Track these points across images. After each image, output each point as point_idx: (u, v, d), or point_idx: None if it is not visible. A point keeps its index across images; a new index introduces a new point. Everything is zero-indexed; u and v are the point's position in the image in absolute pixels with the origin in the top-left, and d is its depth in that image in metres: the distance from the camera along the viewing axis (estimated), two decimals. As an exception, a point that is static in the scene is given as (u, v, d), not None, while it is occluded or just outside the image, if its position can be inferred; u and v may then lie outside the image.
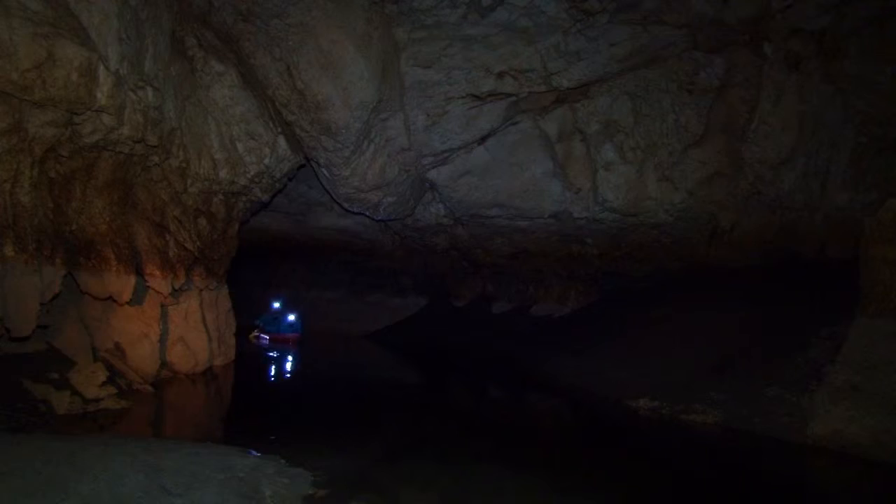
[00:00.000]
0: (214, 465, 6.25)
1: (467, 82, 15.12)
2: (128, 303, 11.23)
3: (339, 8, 12.91)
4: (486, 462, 8.08)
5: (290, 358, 19.54)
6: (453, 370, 19.59)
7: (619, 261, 20.60)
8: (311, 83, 13.67)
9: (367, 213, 18.76)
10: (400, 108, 15.39)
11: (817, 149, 15.96)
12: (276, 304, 25.06)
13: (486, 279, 25.90)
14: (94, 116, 9.03)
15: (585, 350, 16.68)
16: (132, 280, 11.02)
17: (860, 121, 15.52)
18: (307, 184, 19.28)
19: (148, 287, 11.72)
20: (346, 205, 18.05)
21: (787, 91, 15.43)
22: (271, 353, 20.33)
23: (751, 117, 15.93)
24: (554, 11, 13.51)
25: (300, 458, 7.09)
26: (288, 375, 16.59)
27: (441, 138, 16.54)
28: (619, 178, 17.43)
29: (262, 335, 22.96)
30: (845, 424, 9.38)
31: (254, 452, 7.12)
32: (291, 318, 23.51)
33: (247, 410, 11.22)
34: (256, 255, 24.66)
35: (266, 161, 13.69)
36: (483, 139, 17.23)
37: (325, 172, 16.37)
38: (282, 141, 13.93)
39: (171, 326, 12.64)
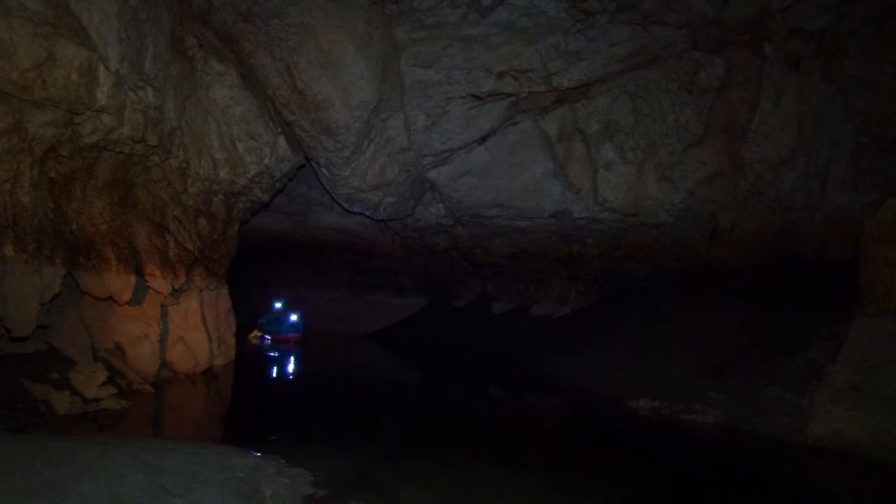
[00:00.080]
0: (214, 465, 6.25)
1: (467, 82, 15.12)
2: (128, 303, 11.22)
3: (339, 8, 12.90)
4: (486, 462, 8.08)
5: (290, 358, 19.53)
6: (453, 370, 19.59)
7: (619, 261, 20.60)
8: (311, 83, 13.67)
9: (368, 213, 18.77)
10: (400, 108, 15.39)
11: (817, 149, 15.96)
12: (278, 305, 25.05)
13: (486, 279, 25.90)
14: (95, 116, 9.03)
15: (585, 350, 16.67)
16: (132, 280, 11.02)
17: (860, 121, 15.52)
18: (307, 184, 19.29)
19: (148, 287, 11.71)
20: (346, 205, 18.04)
21: (787, 91, 15.43)
22: (272, 353, 20.33)
23: (751, 117, 15.93)
24: (554, 11, 13.51)
25: (300, 458, 7.09)
26: (288, 375, 16.59)
27: (441, 138, 16.54)
28: (619, 178, 17.43)
29: (263, 335, 22.95)
30: (845, 424, 9.38)
31: (254, 452, 7.12)
32: (293, 318, 23.52)
33: (247, 410, 11.21)
34: (256, 255, 24.66)
35: (266, 161, 13.69)
36: (483, 139, 17.22)
37: (326, 172, 16.37)
38: (282, 141, 13.92)
39: (171, 326, 12.64)
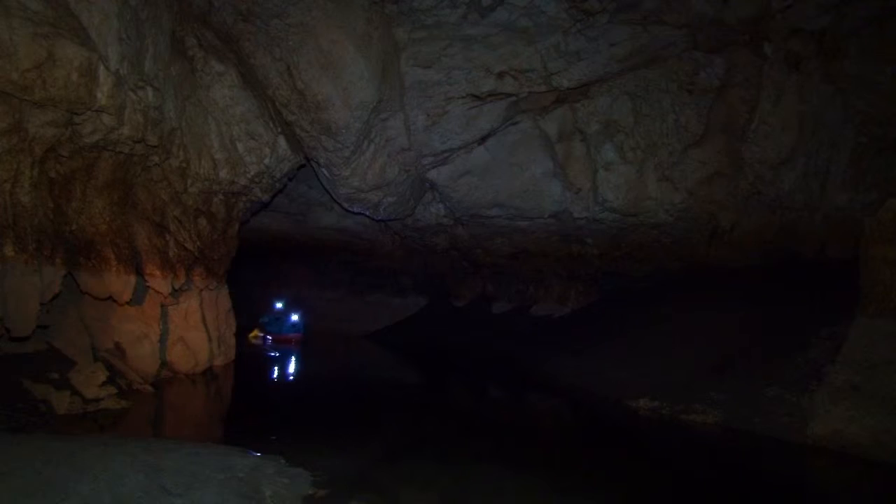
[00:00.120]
0: (214, 465, 6.25)
1: (467, 82, 15.12)
2: (128, 303, 11.22)
3: (339, 8, 12.90)
4: (486, 462, 8.08)
5: (290, 358, 19.53)
6: (453, 370, 19.59)
7: (619, 261, 20.60)
8: (311, 83, 13.67)
9: (368, 213, 18.76)
10: (400, 108, 15.39)
11: (817, 149, 15.96)
12: (279, 305, 25.03)
13: (486, 279, 25.90)
14: (95, 116, 9.03)
15: (585, 350, 16.67)
16: (132, 280, 11.02)
17: (860, 121, 15.52)
18: (307, 184, 19.29)
19: (148, 287, 11.71)
20: (346, 205, 18.04)
21: (787, 91, 15.43)
22: (272, 353, 20.32)
23: (751, 117, 15.93)
24: (554, 11, 13.51)
25: (300, 458, 7.09)
26: (288, 375, 16.59)
27: (441, 138, 16.54)
28: (619, 178, 17.43)
29: (264, 335, 22.94)
30: (845, 424, 9.38)
31: (254, 452, 7.12)
32: (294, 318, 23.52)
33: (247, 410, 11.21)
34: (256, 255, 24.66)
35: (266, 161, 13.69)
36: (483, 139, 17.22)
37: (326, 172, 16.37)
38: (282, 141, 13.92)
39: (171, 326, 12.63)
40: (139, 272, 11.32)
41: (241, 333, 16.78)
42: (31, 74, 7.93)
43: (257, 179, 13.98)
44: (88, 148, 9.48)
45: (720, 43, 15.09)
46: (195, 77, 12.15)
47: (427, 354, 22.37)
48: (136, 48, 9.57)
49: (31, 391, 8.60)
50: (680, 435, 10.59)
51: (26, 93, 8.02)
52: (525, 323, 23.08)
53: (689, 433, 10.59)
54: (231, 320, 15.13)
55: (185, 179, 12.18)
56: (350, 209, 18.49)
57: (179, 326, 12.83)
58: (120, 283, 10.73)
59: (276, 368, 17.66)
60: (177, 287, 12.36)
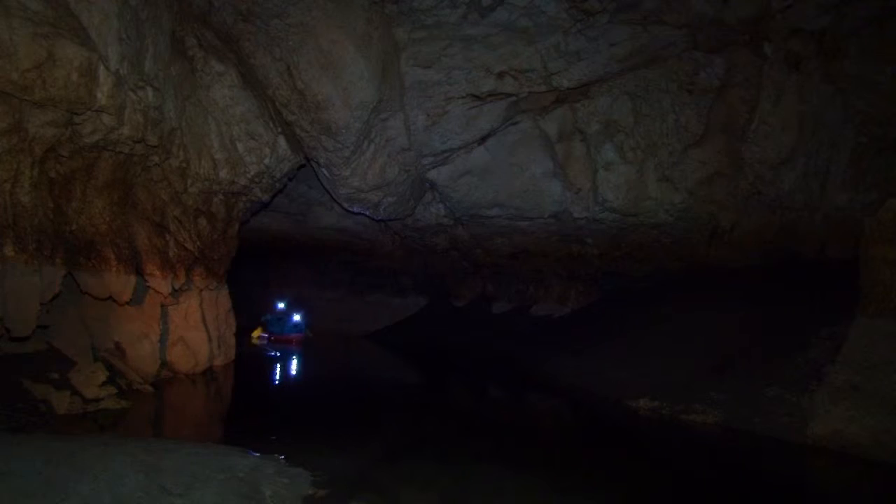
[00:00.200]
0: (214, 465, 6.25)
1: (467, 82, 15.12)
2: (128, 303, 11.22)
3: (339, 8, 12.90)
4: (486, 462, 8.08)
5: (290, 358, 19.53)
6: (453, 370, 19.59)
7: (619, 261, 20.60)
8: (311, 83, 13.67)
9: (368, 213, 18.77)
10: (400, 108, 15.39)
11: (817, 149, 15.96)
12: (281, 305, 25.03)
13: (486, 279, 25.91)
14: (95, 116, 9.03)
15: (585, 350, 16.67)
16: (132, 280, 11.02)
17: (860, 121, 15.52)
18: (307, 184, 19.29)
19: (148, 287, 11.71)
20: (346, 205, 18.04)
21: (787, 91, 15.43)
22: (272, 353, 20.32)
23: (751, 117, 15.93)
24: (554, 11, 13.51)
25: (300, 458, 7.09)
26: (288, 375, 16.59)
27: (441, 138, 16.54)
28: (619, 178, 17.43)
29: (264, 335, 22.95)
30: (845, 424, 9.38)
31: (254, 452, 7.12)
32: (296, 318, 23.54)
33: (247, 410, 11.21)
34: (256, 255, 24.67)
35: (266, 161, 13.69)
36: (483, 139, 17.23)
37: (326, 172, 16.37)
38: (282, 141, 13.92)
39: (171, 326, 12.63)
40: (139, 272, 11.32)
41: (241, 333, 16.77)
42: (31, 74, 7.93)
43: (257, 179, 13.98)
44: (88, 148, 9.48)
45: (720, 43, 15.10)
46: (195, 77, 12.15)
47: (427, 354, 22.36)
48: (136, 48, 9.57)
49: (31, 391, 8.60)
50: (680, 435, 10.59)
51: (26, 93, 8.02)
52: (525, 323, 23.08)
53: (689, 433, 10.59)
54: (231, 320, 15.13)
55: (185, 179, 12.18)
56: (350, 209, 18.49)
57: (179, 326, 12.83)
58: (120, 283, 10.73)
59: (276, 368, 17.66)
60: (177, 287, 12.36)
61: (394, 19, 13.77)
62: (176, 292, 12.45)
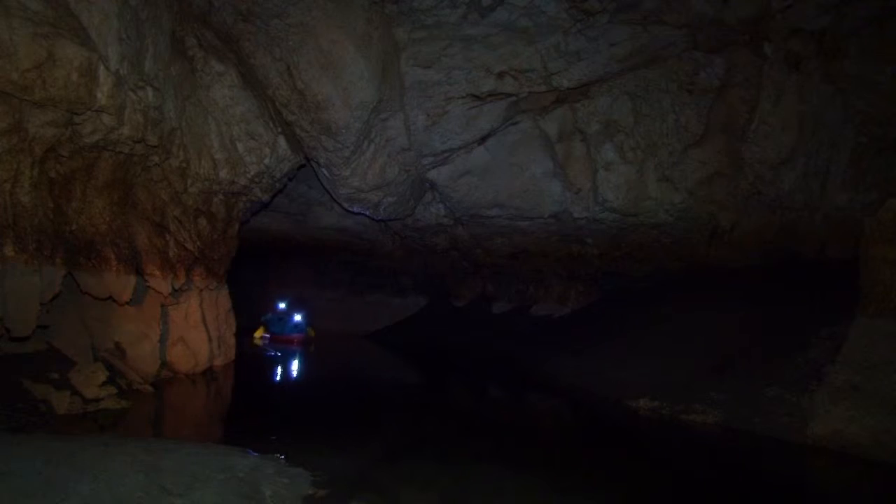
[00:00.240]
0: (214, 465, 6.25)
1: (467, 82, 15.12)
2: (128, 303, 11.22)
3: (339, 8, 12.91)
4: (486, 462, 8.08)
5: (290, 358, 19.54)
6: (453, 370, 19.59)
7: (619, 261, 20.60)
8: (311, 83, 13.67)
9: (368, 213, 18.77)
10: (400, 108, 15.39)
11: (817, 149, 15.96)
12: (282, 305, 25.04)
13: (486, 279, 25.91)
14: (95, 116, 9.03)
15: (585, 350, 16.67)
16: (132, 280, 11.01)
17: (860, 121, 15.52)
18: (307, 184, 19.29)
19: (148, 287, 11.71)
20: (346, 205, 18.05)
21: (787, 91, 15.43)
22: (272, 354, 20.32)
23: (751, 117, 15.93)
24: (554, 11, 13.51)
25: (300, 458, 7.09)
26: (287, 375, 16.59)
27: (441, 138, 16.55)
28: (619, 178, 17.43)
29: (266, 335, 22.96)
30: (845, 424, 9.38)
31: (254, 452, 7.12)
32: (297, 318, 23.55)
33: (247, 410, 11.21)
34: (256, 255, 24.68)
35: (266, 161, 13.69)
36: (483, 139, 17.23)
37: (326, 172, 16.37)
38: (282, 141, 13.93)
39: (171, 326, 12.64)
40: (139, 272, 11.32)
41: (242, 333, 16.77)
42: (31, 74, 7.93)
43: (257, 179, 13.99)
44: (88, 148, 9.48)
45: (720, 43, 15.10)
46: (195, 77, 12.15)
47: (427, 354, 22.37)
48: (136, 48, 9.57)
49: (31, 391, 8.60)
50: (680, 435, 10.59)
51: (26, 93, 8.02)
52: (525, 323, 23.09)
53: (689, 433, 10.59)
54: (231, 320, 15.13)
55: (185, 179, 12.18)
56: (350, 209, 18.49)
57: (179, 326, 12.83)
58: (120, 283, 10.73)
59: (275, 368, 17.66)
60: (177, 287, 12.36)
61: (394, 19, 13.77)
62: (176, 292, 12.45)
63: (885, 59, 14.48)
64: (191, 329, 13.10)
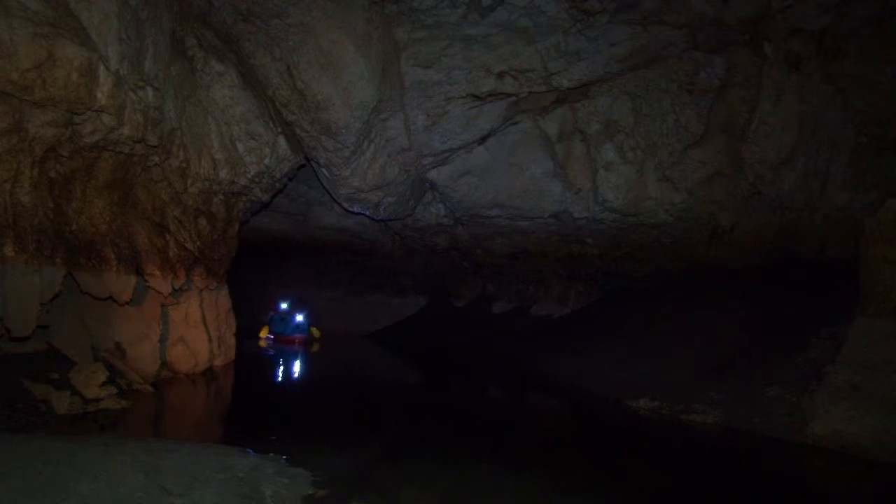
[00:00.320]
0: (214, 465, 6.25)
1: (467, 82, 15.12)
2: (128, 303, 11.21)
3: (339, 8, 12.91)
4: (486, 462, 8.08)
5: (290, 358, 19.54)
6: (453, 370, 19.59)
7: (619, 261, 20.61)
8: (311, 83, 13.67)
9: (368, 213, 18.77)
10: (400, 108, 15.39)
11: (817, 149, 15.97)
12: (284, 305, 25.04)
13: (486, 279, 25.92)
14: (95, 116, 9.03)
15: (585, 350, 16.68)
16: (132, 280, 11.01)
17: (860, 121, 15.53)
18: (307, 184, 19.29)
19: (148, 287, 11.70)
20: (346, 205, 18.05)
21: (787, 91, 15.44)
22: (272, 354, 20.33)
23: (751, 117, 15.93)
24: (554, 11, 13.51)
25: (300, 458, 7.08)
26: (287, 375, 16.59)
27: (441, 138, 16.55)
28: (619, 178, 17.43)
29: (269, 336, 22.99)
30: (845, 424, 9.39)
31: (254, 452, 7.12)
32: (299, 318, 23.55)
33: (247, 410, 11.21)
34: (256, 255, 24.68)
35: (266, 161, 13.69)
36: (483, 139, 17.23)
37: (326, 172, 16.37)
38: (282, 141, 13.92)
39: (172, 326, 12.63)
40: (139, 272, 11.31)
41: (242, 334, 16.77)
42: (31, 74, 7.93)
43: (257, 179, 13.99)
44: (88, 148, 9.47)
45: (720, 43, 15.10)
46: (195, 77, 12.15)
47: (427, 354, 22.37)
48: (136, 48, 9.57)
49: (31, 391, 8.60)
50: (680, 435, 10.59)
51: (26, 93, 8.02)
52: (525, 323, 23.09)
53: (689, 433, 10.59)
54: (231, 320, 15.13)
55: (185, 179, 12.18)
56: (350, 209, 18.49)
57: (179, 326, 12.82)
58: (120, 283, 10.73)
59: (276, 368, 17.67)
60: (177, 287, 12.36)
61: (394, 19, 13.77)
62: (176, 292, 12.44)
63: (885, 59, 14.48)
64: (191, 329, 13.10)
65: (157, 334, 12.04)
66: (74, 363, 9.75)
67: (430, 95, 15.37)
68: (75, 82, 8.32)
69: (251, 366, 16.61)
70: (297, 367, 18.25)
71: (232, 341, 15.18)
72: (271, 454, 7.17)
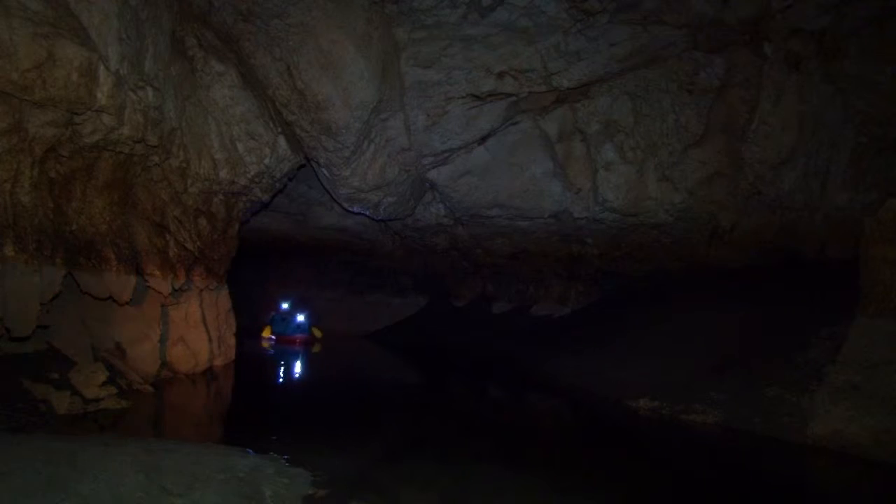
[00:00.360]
0: (214, 465, 6.25)
1: (467, 82, 15.12)
2: (128, 303, 11.21)
3: (339, 8, 12.91)
4: (486, 462, 8.08)
5: (290, 358, 19.54)
6: (453, 370, 19.59)
7: (619, 261, 20.61)
8: (311, 83, 13.67)
9: (368, 213, 18.77)
10: (400, 108, 15.39)
11: (817, 149, 15.96)
12: (285, 305, 25.03)
13: (486, 279, 25.91)
14: (95, 116, 9.03)
15: (585, 350, 16.68)
16: (132, 280, 11.01)
17: (860, 121, 15.52)
18: (307, 184, 19.29)
19: (148, 287, 11.71)
20: (346, 205, 18.05)
21: (787, 91, 15.44)
22: (272, 354, 20.32)
23: (751, 117, 15.93)
24: (554, 11, 13.51)
25: (300, 458, 7.09)
26: (287, 375, 16.59)
27: (441, 138, 16.55)
28: (619, 178, 17.44)
29: (272, 336, 22.99)
30: (845, 424, 9.38)
31: (253, 452, 7.12)
32: (300, 318, 23.55)
33: (247, 410, 11.22)
34: (256, 255, 24.69)
35: (266, 161, 13.69)
36: (483, 139, 17.23)
37: (326, 172, 16.37)
38: (282, 141, 13.92)
39: (172, 326, 12.63)
40: (139, 272, 11.31)
41: (242, 334, 16.78)
42: (31, 74, 7.93)
43: (257, 179, 13.99)
44: (88, 148, 9.47)
45: (720, 43, 15.10)
46: (195, 77, 12.15)
47: (427, 354, 22.37)
48: (136, 48, 9.57)
49: (31, 391, 8.60)
50: (680, 435, 10.59)
51: (26, 93, 8.02)
52: (525, 323, 23.09)
53: (689, 433, 10.59)
54: (231, 320, 15.14)
55: (185, 179, 12.18)
56: (350, 209, 18.49)
57: (179, 326, 12.83)
58: (120, 283, 10.73)
59: (276, 368, 17.67)
60: (177, 287, 12.36)
61: (394, 19, 13.77)
62: (176, 292, 12.44)
63: (885, 59, 14.48)
64: (191, 329, 13.10)
65: (157, 334, 12.04)
66: (74, 363, 9.75)
67: (430, 95, 15.37)
68: (75, 82, 8.33)
69: (251, 366, 16.61)
70: (296, 367, 18.25)
71: (232, 341, 15.18)
72: (271, 454, 7.18)
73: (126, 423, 8.88)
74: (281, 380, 15.72)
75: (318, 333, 23.88)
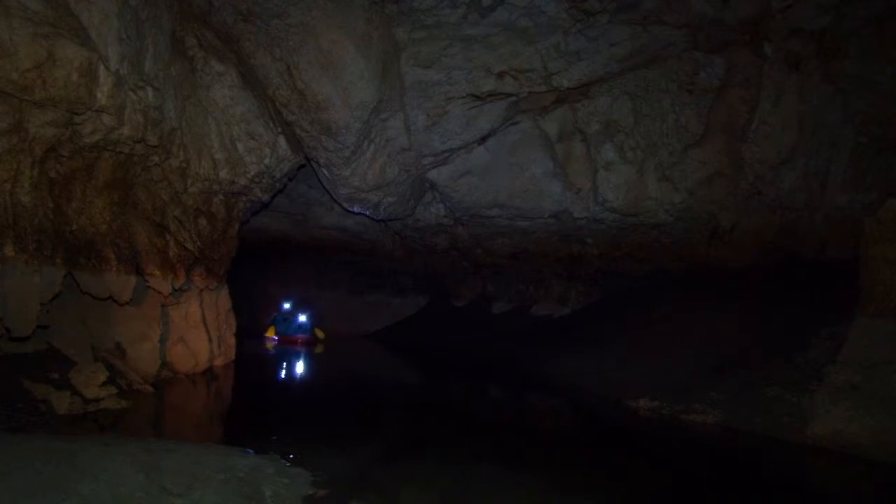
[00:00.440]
0: (214, 465, 6.25)
1: (467, 82, 15.12)
2: (128, 303, 11.22)
3: (340, 8, 12.91)
4: (486, 462, 8.08)
5: (290, 358, 19.54)
6: (453, 370, 19.59)
7: (619, 261, 20.61)
8: (311, 83, 13.68)
9: (368, 213, 18.77)
10: (400, 108, 15.39)
11: (817, 149, 15.96)
12: (286, 305, 25.01)
13: (486, 279, 25.91)
14: (95, 116, 9.03)
15: (585, 350, 16.68)
16: (132, 280, 11.01)
17: (860, 121, 15.52)
18: (307, 184, 19.30)
19: (148, 287, 11.71)
20: (346, 205, 18.05)
21: (787, 91, 15.44)
22: (273, 354, 20.32)
23: (751, 117, 15.93)
24: (554, 11, 13.51)
25: (300, 458, 7.09)
26: (287, 375, 16.59)
27: (441, 138, 16.55)
28: (619, 178, 17.44)
29: (274, 337, 22.98)
30: (845, 424, 9.38)
31: (253, 452, 7.12)
32: (302, 318, 23.53)
33: (247, 410, 11.22)
34: (256, 255, 24.68)
35: (266, 161, 13.69)
36: (483, 139, 17.23)
37: (326, 172, 16.37)
38: (282, 141, 13.93)
39: (172, 326, 12.64)
40: (139, 272, 11.32)
41: (242, 334, 16.78)
42: (31, 74, 7.93)
43: (257, 179, 13.99)
44: (89, 148, 9.48)
45: (720, 43, 15.10)
46: (195, 77, 12.15)
47: (427, 354, 22.37)
48: (136, 48, 9.57)
49: (31, 391, 8.60)
50: (680, 435, 10.59)
51: (26, 93, 8.02)
52: (525, 323, 23.09)
53: (689, 433, 10.59)
54: (231, 320, 15.14)
55: (185, 179, 12.18)
56: (350, 209, 18.49)
57: (179, 326, 12.83)
58: (120, 283, 10.73)
59: (276, 369, 17.67)
60: (177, 287, 12.36)
61: (394, 19, 13.77)
62: (176, 292, 12.45)
63: (885, 59, 14.48)
64: (191, 329, 13.11)
65: (157, 334, 12.05)
66: (74, 363, 9.75)
67: (430, 95, 15.37)
68: (75, 82, 8.33)
69: (251, 366, 16.61)
70: (296, 367, 18.25)
71: (232, 341, 15.18)
72: (271, 454, 7.18)
73: (126, 423, 8.88)
74: (281, 380, 15.71)
75: (321, 334, 23.82)
